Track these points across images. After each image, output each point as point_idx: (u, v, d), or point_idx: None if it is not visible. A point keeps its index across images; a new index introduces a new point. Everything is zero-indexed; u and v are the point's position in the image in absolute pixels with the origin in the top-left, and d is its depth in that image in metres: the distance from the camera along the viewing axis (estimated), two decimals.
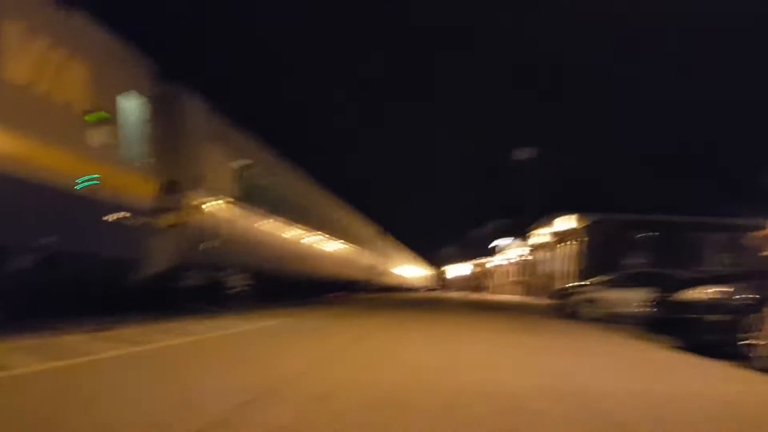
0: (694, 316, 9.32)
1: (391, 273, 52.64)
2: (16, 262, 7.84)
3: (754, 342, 7.94)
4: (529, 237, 29.37)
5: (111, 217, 9.44)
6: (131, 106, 10.41)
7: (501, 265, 61.62)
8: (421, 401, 4.26)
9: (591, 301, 18.85)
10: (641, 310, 11.29)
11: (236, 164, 15.35)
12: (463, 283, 63.25)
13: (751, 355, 7.32)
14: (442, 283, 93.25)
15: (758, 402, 4.91)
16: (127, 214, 9.86)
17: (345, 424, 3.53)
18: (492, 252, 63.77)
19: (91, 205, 8.95)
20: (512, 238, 51.10)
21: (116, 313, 11.19)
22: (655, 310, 10.61)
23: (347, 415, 3.78)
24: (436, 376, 5.52)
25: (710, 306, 9.25)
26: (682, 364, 7.43)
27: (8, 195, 7.33)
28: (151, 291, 12.13)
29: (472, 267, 71.59)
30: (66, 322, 9.10)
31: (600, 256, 31.02)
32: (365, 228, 37.30)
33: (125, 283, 10.70)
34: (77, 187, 8.55)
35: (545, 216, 35.18)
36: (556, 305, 21.02)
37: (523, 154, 23.98)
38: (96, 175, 8.94)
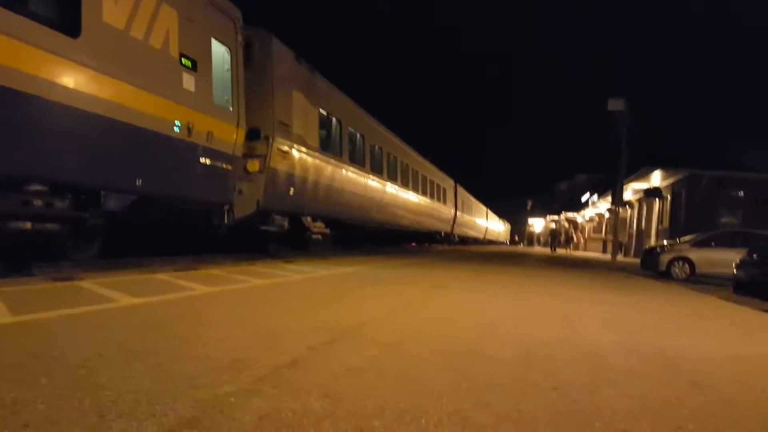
0: None
1: (473, 225, 52.27)
2: (110, 203, 8.25)
3: None
4: (619, 191, 28.31)
5: (201, 162, 9.72)
6: (220, 52, 10.57)
7: (589, 220, 60.05)
8: (499, 352, 4.19)
9: (682, 260, 18.16)
10: (735, 271, 10.78)
11: (320, 111, 15.43)
12: (548, 237, 62.15)
13: None
14: (526, 236, 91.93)
15: None
16: (216, 160, 10.13)
17: (423, 369, 3.52)
18: (580, 206, 62.13)
19: (182, 149, 9.23)
20: (601, 192, 49.46)
21: (203, 254, 11.67)
22: (751, 271, 10.10)
23: (425, 361, 3.77)
24: (516, 329, 5.43)
25: None
26: None
27: (103, 137, 7.66)
28: (236, 234, 12.54)
29: (558, 221, 70.15)
30: (156, 261, 9.57)
31: (692, 214, 29.63)
32: (445, 180, 36.99)
33: (212, 225, 11.10)
34: (168, 132, 8.82)
35: (637, 170, 33.67)
36: (645, 263, 20.35)
37: (616, 105, 22.84)
38: (187, 121, 9.19)
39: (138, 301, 5.50)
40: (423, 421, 2.58)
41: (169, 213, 10.10)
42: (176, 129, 8.96)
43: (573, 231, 61.67)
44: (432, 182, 32.22)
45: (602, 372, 3.77)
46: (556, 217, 73.01)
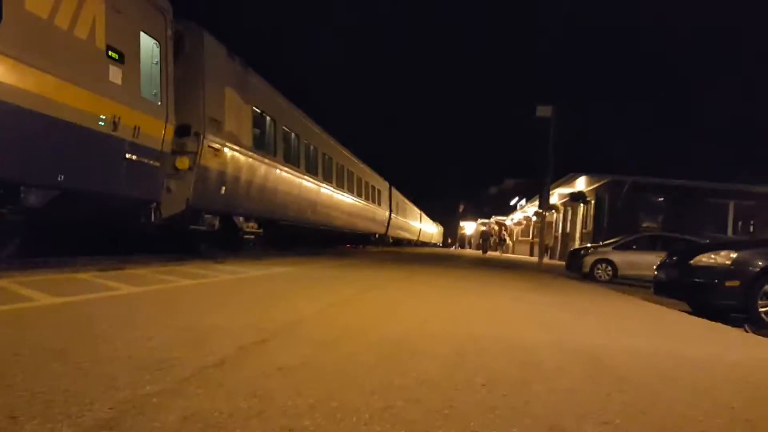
0: (711, 281, 9.24)
1: (408, 227, 52.67)
2: (30, 199, 7.85)
3: None
4: (546, 196, 29.22)
5: (127, 157, 9.38)
6: (149, 45, 10.24)
7: (517, 224, 61.54)
8: (432, 349, 4.20)
9: (605, 262, 18.84)
10: (656, 273, 11.22)
11: (253, 109, 15.18)
12: (479, 240, 63.37)
13: None
14: (458, 239, 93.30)
15: None
16: (144, 156, 9.80)
17: (355, 367, 3.48)
18: (509, 210, 63.62)
19: (108, 144, 8.88)
20: (529, 196, 50.80)
21: (129, 253, 11.27)
22: (670, 273, 10.53)
23: (357, 358, 3.74)
24: (449, 327, 5.47)
25: (728, 271, 9.17)
26: (697, 327, 7.33)
27: (24, 130, 7.29)
28: (165, 233, 12.19)
29: (488, 224, 71.54)
30: (79, 261, 9.18)
31: (615, 218, 30.75)
32: (380, 182, 37.14)
33: (139, 224, 10.74)
34: (93, 125, 8.47)
35: (562, 176, 34.73)
36: (570, 265, 20.98)
37: (544, 111, 23.50)
38: (113, 115, 8.85)
39: (59, 300, 5.24)
40: (354, 418, 2.54)
41: (94, 210, 9.70)
42: (101, 123, 8.62)
43: (504, 234, 63.04)
44: (367, 184, 32.29)
45: (531, 368, 3.83)
46: (486, 221, 74.48)
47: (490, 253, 46.87)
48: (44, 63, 7.43)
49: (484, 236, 51.03)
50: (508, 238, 61.38)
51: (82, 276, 7.29)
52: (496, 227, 68.07)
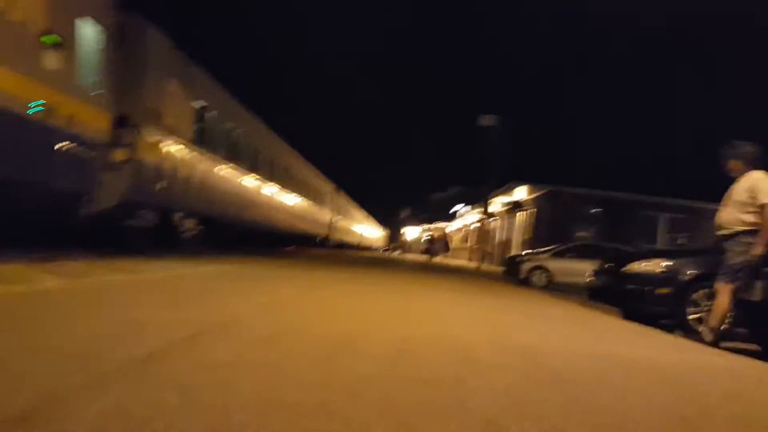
0: (643, 287, 9.48)
1: (349, 231, 52.53)
2: None
3: (701, 315, 8.13)
4: (486, 204, 29.66)
5: (61, 147, 8.98)
6: (89, 33, 9.84)
7: (458, 231, 62.24)
8: (371, 347, 4.14)
9: (541, 269, 19.21)
10: (590, 280, 11.47)
11: (196, 104, 14.82)
12: (420, 245, 63.68)
13: (699, 329, 7.46)
14: (400, 244, 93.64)
15: (709, 370, 4.93)
16: (78, 146, 9.40)
17: (293, 364, 3.38)
18: (451, 217, 64.30)
19: (41, 133, 8.48)
20: (470, 204, 51.45)
21: (61, 247, 10.78)
22: (604, 280, 10.79)
23: (296, 355, 3.64)
24: (388, 326, 5.41)
25: (659, 279, 9.43)
26: (629, 331, 7.51)
27: None
28: (99, 228, 11.72)
29: (430, 231, 72.09)
30: (8, 252, 8.71)
31: (553, 227, 31.47)
32: (324, 183, 36.93)
33: (72, 217, 10.28)
34: (27, 112, 8.07)
35: (503, 184, 35.39)
36: (508, 271, 21.32)
37: (487, 120, 23.85)
38: (47, 101, 8.45)
39: None
40: (288, 413, 2.44)
41: (24, 201, 9.23)
42: (33, 109, 8.22)
43: (445, 240, 63.51)
44: (311, 185, 32.05)
45: (469, 365, 3.81)
46: (429, 226, 75.16)
47: (433, 258, 47.08)
48: None
49: (430, 241, 51.08)
50: (447, 244, 61.86)
51: (12, 267, 6.92)
52: (439, 234, 68.60)
